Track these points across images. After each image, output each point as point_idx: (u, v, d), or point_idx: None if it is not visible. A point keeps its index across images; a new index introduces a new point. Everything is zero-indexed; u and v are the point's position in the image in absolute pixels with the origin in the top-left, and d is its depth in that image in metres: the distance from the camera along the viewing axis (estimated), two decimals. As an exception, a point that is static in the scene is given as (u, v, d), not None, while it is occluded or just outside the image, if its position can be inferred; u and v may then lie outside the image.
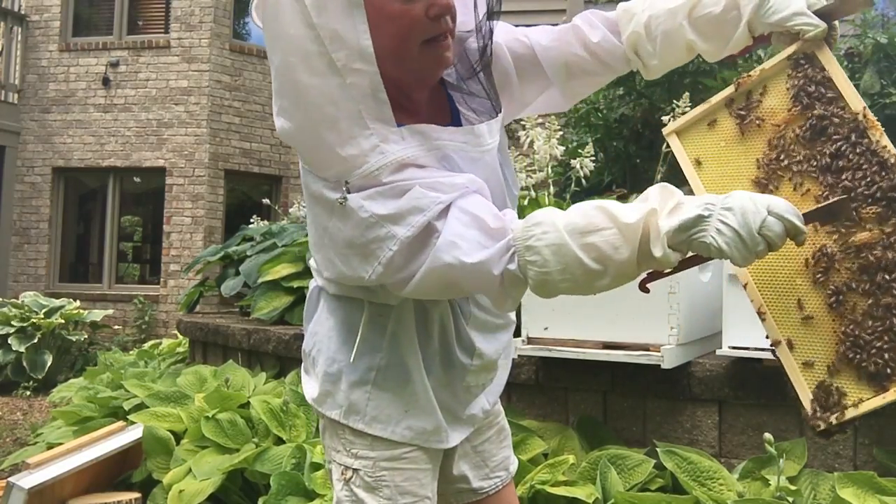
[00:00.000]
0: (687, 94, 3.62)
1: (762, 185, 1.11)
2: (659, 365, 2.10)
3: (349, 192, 1.00)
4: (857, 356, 1.00)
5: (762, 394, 2.16)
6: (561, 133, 3.79)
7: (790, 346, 1.05)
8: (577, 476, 2.12)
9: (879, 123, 1.05)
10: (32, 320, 6.47)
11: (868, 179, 1.02)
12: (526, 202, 3.34)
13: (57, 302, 6.96)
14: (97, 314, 7.16)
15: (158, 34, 9.04)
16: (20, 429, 4.70)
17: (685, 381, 2.25)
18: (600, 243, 0.95)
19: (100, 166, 8.90)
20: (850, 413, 0.99)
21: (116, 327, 7.97)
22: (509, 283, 1.01)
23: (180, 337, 5.29)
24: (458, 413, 1.25)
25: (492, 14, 1.10)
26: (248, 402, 2.90)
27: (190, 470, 2.63)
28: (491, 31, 1.12)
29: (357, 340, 1.16)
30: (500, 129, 1.19)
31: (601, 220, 0.96)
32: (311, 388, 1.24)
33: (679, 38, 1.19)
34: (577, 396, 2.47)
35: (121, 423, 3.10)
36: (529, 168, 3.69)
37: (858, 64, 3.49)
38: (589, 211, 0.97)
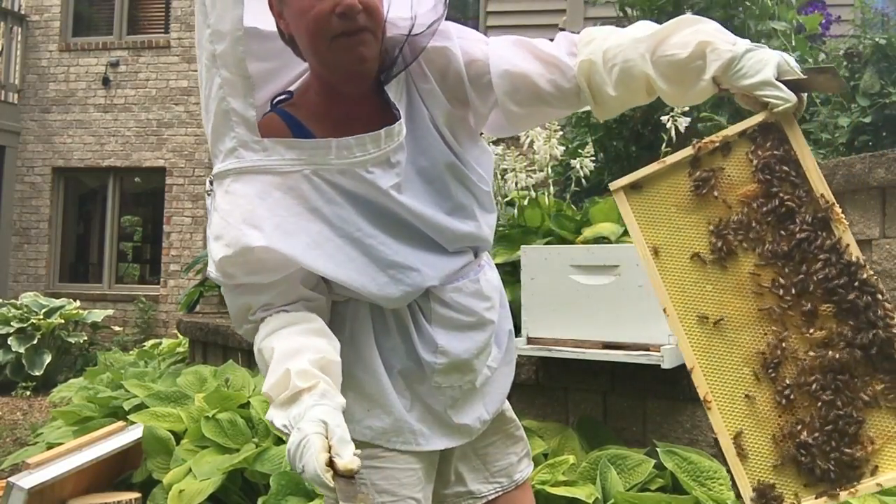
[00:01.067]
0: (687, 94, 3.61)
1: (715, 255, 1.05)
2: (659, 365, 2.10)
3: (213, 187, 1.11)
4: (803, 458, 0.96)
5: (762, 394, 2.16)
6: (561, 133, 3.79)
7: (737, 437, 1.01)
8: (577, 476, 2.12)
9: (843, 217, 1.00)
10: (32, 321, 6.47)
11: (829, 276, 0.97)
12: (526, 202, 3.34)
13: (57, 302, 6.96)
14: (97, 314, 7.15)
15: (158, 34, 9.04)
16: (20, 429, 4.71)
17: (685, 381, 2.25)
18: (260, 361, 1.14)
19: (100, 166, 8.90)
20: None
21: (116, 327, 7.96)
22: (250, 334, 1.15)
23: (180, 337, 5.29)
24: (444, 418, 1.22)
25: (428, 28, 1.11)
26: (248, 402, 2.90)
27: (190, 470, 2.63)
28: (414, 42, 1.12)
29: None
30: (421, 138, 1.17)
31: (259, 358, 1.14)
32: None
33: (639, 71, 1.11)
34: (577, 396, 2.47)
35: (121, 423, 3.10)
36: (529, 168, 3.69)
37: (858, 64, 3.49)
38: (262, 343, 1.13)
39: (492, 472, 1.37)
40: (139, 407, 3.25)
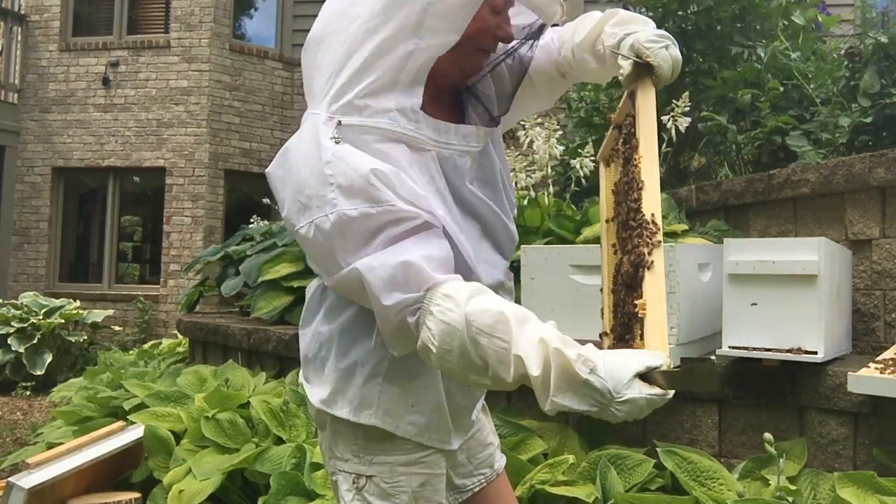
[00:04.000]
0: (687, 94, 3.62)
1: (617, 207, 1.25)
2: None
3: (338, 136, 1.01)
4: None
5: (762, 394, 2.16)
6: (561, 133, 3.79)
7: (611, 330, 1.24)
8: (576, 476, 2.12)
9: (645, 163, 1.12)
10: (32, 320, 6.47)
11: (628, 208, 1.15)
12: (526, 202, 3.34)
13: (57, 302, 6.96)
14: (97, 314, 7.15)
15: (158, 34, 9.04)
16: (20, 429, 4.70)
17: (685, 381, 2.25)
18: (489, 349, 0.94)
19: (100, 166, 8.89)
20: None
21: (116, 327, 7.96)
22: (402, 333, 1.00)
23: (180, 337, 5.29)
24: (462, 416, 1.23)
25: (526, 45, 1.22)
26: (248, 402, 2.90)
27: (190, 470, 2.63)
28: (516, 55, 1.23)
29: (376, 329, 1.10)
30: (497, 139, 1.25)
31: (500, 329, 0.94)
32: (318, 391, 1.19)
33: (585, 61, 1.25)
34: (577, 396, 2.46)
35: (121, 423, 3.10)
36: (529, 168, 3.69)
37: (859, 64, 3.49)
38: (495, 312, 0.95)
39: (475, 465, 1.37)
40: (139, 407, 3.25)
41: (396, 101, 1.04)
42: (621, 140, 1.23)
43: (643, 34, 1.14)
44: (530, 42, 1.21)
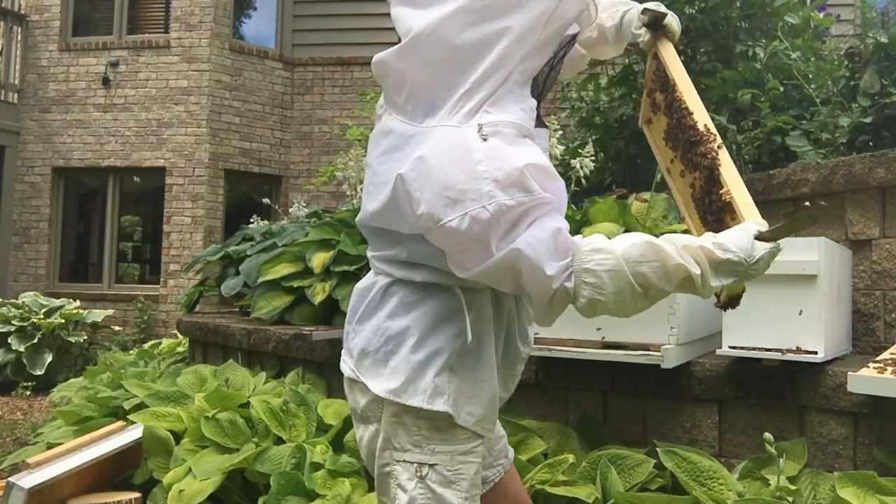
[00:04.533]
0: (687, 93, 3.61)
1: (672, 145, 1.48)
2: (659, 365, 2.10)
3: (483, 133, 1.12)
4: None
5: (762, 394, 2.16)
6: (561, 133, 3.79)
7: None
8: (577, 476, 2.12)
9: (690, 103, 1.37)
10: (32, 320, 6.47)
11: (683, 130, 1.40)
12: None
13: (57, 302, 6.96)
14: (97, 314, 7.15)
15: (158, 34, 9.04)
16: (20, 429, 4.70)
17: (685, 381, 2.25)
18: (649, 273, 1.10)
19: (100, 166, 8.90)
20: None
21: (116, 327, 7.96)
22: (559, 299, 1.13)
23: (180, 337, 5.29)
24: (497, 410, 1.34)
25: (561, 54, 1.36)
26: (248, 402, 2.90)
27: (190, 470, 2.63)
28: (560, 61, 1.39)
29: (468, 321, 1.23)
30: None
31: (651, 253, 1.10)
32: (384, 382, 1.25)
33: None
34: (577, 396, 2.47)
35: (121, 423, 3.10)
36: (529, 168, 3.68)
37: (859, 63, 3.48)
38: (640, 243, 1.11)
39: (494, 457, 1.45)
40: (139, 407, 3.25)
41: (518, 104, 1.17)
42: (658, 89, 1.46)
43: (635, 7, 1.42)
44: (571, 46, 1.39)
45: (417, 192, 1.13)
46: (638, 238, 1.12)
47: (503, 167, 1.08)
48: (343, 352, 1.36)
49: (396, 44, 1.20)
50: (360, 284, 1.35)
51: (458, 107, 1.14)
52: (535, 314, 1.20)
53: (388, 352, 1.25)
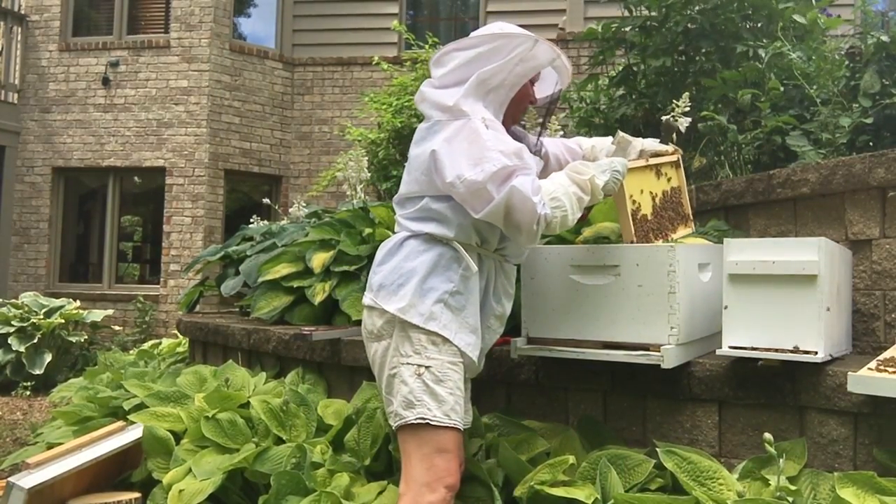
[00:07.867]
0: (687, 94, 3.61)
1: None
2: (659, 365, 2.10)
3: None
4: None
5: (762, 394, 2.16)
6: (561, 133, 3.79)
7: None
8: (576, 476, 2.12)
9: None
10: (32, 320, 6.47)
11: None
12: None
13: (57, 302, 6.96)
14: (97, 314, 7.15)
15: (158, 34, 9.04)
16: (20, 429, 4.70)
17: (685, 381, 2.25)
18: (576, 189, 1.86)
19: (100, 166, 8.90)
20: None
21: (116, 327, 7.96)
22: (540, 222, 1.76)
23: (180, 337, 5.29)
24: (481, 360, 1.98)
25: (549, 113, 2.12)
26: (248, 402, 2.90)
27: (190, 470, 2.63)
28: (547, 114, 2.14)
29: (461, 269, 1.85)
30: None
31: (569, 181, 1.87)
32: (396, 303, 1.83)
33: None
34: (577, 396, 2.46)
35: (121, 423, 3.10)
36: (529, 168, 3.68)
37: (859, 63, 3.48)
38: (562, 178, 1.88)
39: (465, 410, 1.96)
40: (139, 407, 3.25)
41: (493, 114, 1.89)
42: (667, 178, 2.43)
43: (619, 159, 2.09)
44: (555, 102, 2.06)
45: (447, 160, 1.77)
46: (557, 176, 1.87)
47: (505, 147, 1.77)
48: (366, 289, 1.93)
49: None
50: (383, 244, 1.94)
51: (466, 104, 1.87)
52: (523, 240, 1.82)
53: (399, 284, 1.84)
